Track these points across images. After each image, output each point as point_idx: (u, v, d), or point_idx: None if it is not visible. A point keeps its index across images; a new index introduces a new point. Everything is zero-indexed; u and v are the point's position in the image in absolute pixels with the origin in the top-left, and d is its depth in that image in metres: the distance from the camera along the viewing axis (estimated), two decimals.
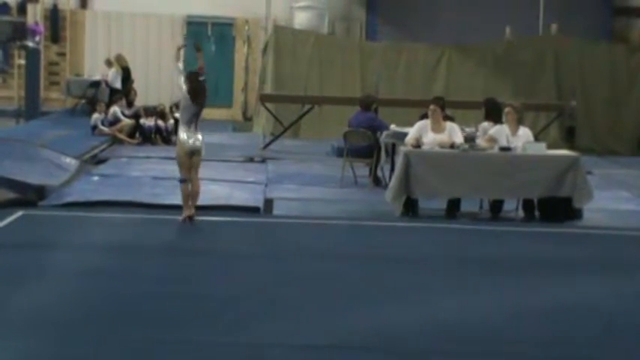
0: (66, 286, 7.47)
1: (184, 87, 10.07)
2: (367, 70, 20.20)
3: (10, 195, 10.85)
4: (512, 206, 11.66)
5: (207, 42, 24.18)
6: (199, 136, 10.11)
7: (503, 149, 11.23)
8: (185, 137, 10.02)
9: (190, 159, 10.11)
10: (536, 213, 11.36)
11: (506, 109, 11.42)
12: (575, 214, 11.26)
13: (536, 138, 12.55)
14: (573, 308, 7.35)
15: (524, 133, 11.46)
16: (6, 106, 22.25)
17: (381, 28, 23.64)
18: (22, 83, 21.84)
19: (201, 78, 10.10)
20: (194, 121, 10.06)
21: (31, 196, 11.04)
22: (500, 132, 11.39)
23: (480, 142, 11.54)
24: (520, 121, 11.52)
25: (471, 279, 8.28)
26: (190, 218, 9.98)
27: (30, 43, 20.77)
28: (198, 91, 10.01)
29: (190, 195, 10.06)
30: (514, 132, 11.37)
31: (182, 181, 10.16)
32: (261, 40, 22.57)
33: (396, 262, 8.87)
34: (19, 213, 10.36)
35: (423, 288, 7.89)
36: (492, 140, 11.34)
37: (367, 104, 14.17)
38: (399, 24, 23.27)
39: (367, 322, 6.75)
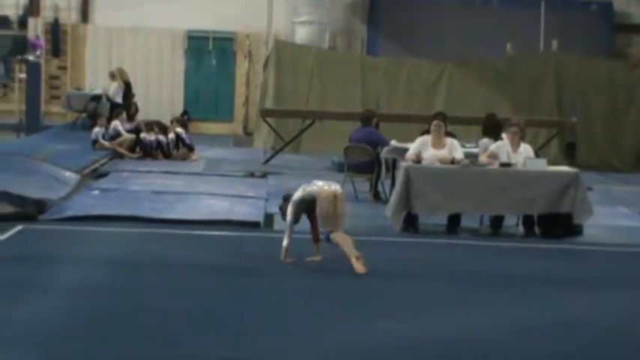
0: (65, 300, 7.46)
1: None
2: (368, 85, 20.25)
3: (10, 209, 10.84)
4: (512, 222, 11.66)
5: (208, 56, 24.28)
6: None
7: (504, 165, 11.23)
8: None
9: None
10: (537, 229, 11.35)
11: (513, 128, 11.40)
12: (575, 230, 11.25)
13: (537, 154, 12.55)
14: (574, 324, 7.33)
15: (525, 149, 11.46)
16: (7, 119, 22.28)
17: (382, 43, 23.69)
18: (22, 97, 21.90)
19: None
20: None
21: (31, 209, 11.03)
22: (501, 148, 11.39)
23: (481, 158, 11.54)
24: (522, 138, 11.54)
25: (471, 295, 8.26)
26: None
27: (31, 57, 20.81)
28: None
29: None
30: (515, 148, 11.37)
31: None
32: (262, 55, 22.63)
33: (396, 277, 8.85)
34: (19, 227, 10.35)
35: (424, 304, 7.87)
36: (493, 156, 11.35)
37: (367, 119, 14.18)
38: (400, 39, 23.33)
39: (366, 337, 6.73)
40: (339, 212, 8.97)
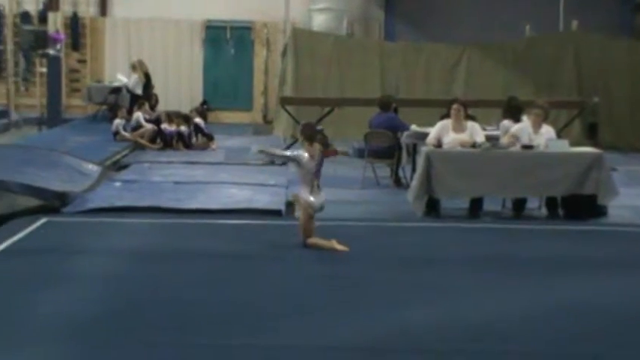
0: (90, 291, 7.49)
1: (289, 152, 9.37)
2: (387, 71, 20.20)
3: (33, 202, 10.91)
4: (535, 204, 11.60)
5: (226, 46, 24.29)
6: (323, 198, 9.31)
7: (526, 147, 11.17)
8: (312, 199, 9.16)
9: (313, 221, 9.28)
10: (560, 211, 11.29)
11: (537, 110, 11.33)
12: (599, 212, 11.19)
13: (559, 135, 12.48)
14: (599, 307, 7.30)
15: (547, 130, 11.40)
16: (29, 113, 22.39)
17: (400, 28, 23.61)
18: (44, 91, 21.98)
19: (318, 128, 9.59)
20: (316, 179, 9.24)
21: (54, 202, 11.09)
22: (522, 130, 11.34)
23: (502, 140, 11.49)
24: (544, 119, 11.47)
25: (494, 278, 8.23)
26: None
27: (51, 51, 20.89)
28: (324, 141, 9.41)
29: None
30: (537, 130, 11.31)
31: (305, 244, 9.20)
32: (280, 43, 22.61)
33: (419, 262, 8.84)
34: (43, 220, 10.41)
35: (447, 288, 7.85)
36: (514, 138, 11.29)
37: (386, 105, 14.15)
38: (417, 24, 23.24)
39: (390, 322, 6.72)
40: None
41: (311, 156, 9.17)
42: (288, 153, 9.59)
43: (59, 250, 9.06)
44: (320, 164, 9.25)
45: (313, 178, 9.21)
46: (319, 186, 9.29)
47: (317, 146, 9.23)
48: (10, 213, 10.57)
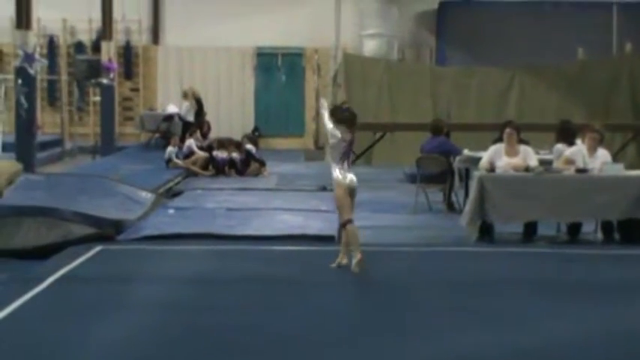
0: (146, 318, 7.53)
1: (331, 125, 9.29)
2: (438, 95, 20.18)
3: (89, 230, 11.01)
4: (590, 229, 11.46)
5: (277, 72, 24.44)
6: (353, 176, 9.29)
7: (580, 171, 11.05)
8: (340, 176, 9.22)
9: (349, 198, 9.30)
10: (616, 235, 11.14)
11: (594, 135, 11.21)
12: None
13: (613, 158, 12.33)
14: None
15: (603, 154, 11.27)
16: (83, 142, 22.72)
17: (451, 52, 23.59)
18: (97, 120, 22.32)
19: (345, 106, 9.62)
20: (346, 159, 9.28)
21: (108, 230, 11.18)
22: (577, 153, 11.22)
23: (556, 164, 11.39)
24: (600, 142, 11.35)
25: (549, 303, 8.12)
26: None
27: (104, 80, 21.20)
28: (350, 119, 9.30)
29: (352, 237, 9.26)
30: (592, 153, 11.19)
31: (344, 224, 9.27)
32: (331, 69, 22.69)
33: (473, 287, 8.75)
34: (98, 248, 10.50)
35: (501, 313, 7.76)
36: (569, 162, 11.17)
37: (438, 129, 14.10)
38: (468, 48, 23.20)
39: (444, 349, 6.65)
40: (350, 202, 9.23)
41: (342, 137, 9.23)
42: (327, 121, 9.47)
43: (115, 278, 9.13)
44: (350, 143, 9.28)
45: (343, 157, 9.26)
46: (349, 166, 9.32)
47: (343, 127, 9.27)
48: (65, 241, 10.69)
